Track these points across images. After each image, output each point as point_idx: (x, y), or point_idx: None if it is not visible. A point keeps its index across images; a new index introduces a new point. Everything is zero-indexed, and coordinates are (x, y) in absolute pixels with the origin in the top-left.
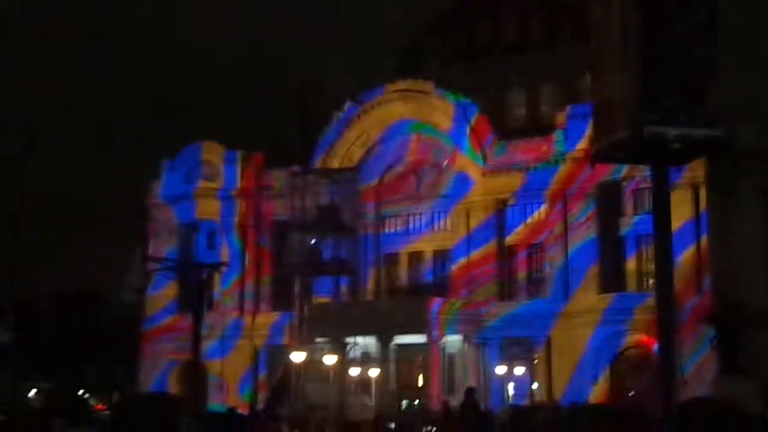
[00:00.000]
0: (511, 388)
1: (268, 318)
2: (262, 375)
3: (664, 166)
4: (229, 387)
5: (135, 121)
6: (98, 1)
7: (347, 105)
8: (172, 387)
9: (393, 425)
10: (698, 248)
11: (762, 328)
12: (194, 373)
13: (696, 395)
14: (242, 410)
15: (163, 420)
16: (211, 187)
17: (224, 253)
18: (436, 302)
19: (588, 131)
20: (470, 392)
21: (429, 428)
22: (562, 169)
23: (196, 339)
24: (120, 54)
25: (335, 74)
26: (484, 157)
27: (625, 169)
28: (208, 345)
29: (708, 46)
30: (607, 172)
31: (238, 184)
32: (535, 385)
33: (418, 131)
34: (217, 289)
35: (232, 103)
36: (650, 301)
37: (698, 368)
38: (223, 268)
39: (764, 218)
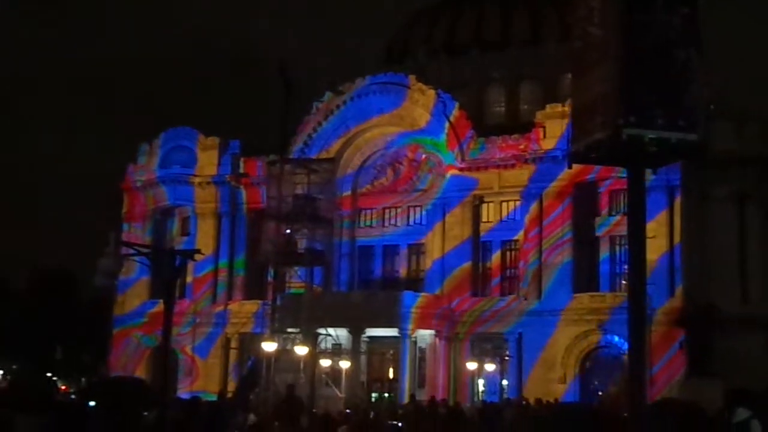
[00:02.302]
0: (481, 384)
1: (240, 306)
2: (233, 363)
3: (640, 168)
4: (200, 374)
5: (114, 102)
6: None
7: (327, 95)
8: (142, 373)
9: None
10: (672, 251)
11: (732, 332)
12: (165, 359)
13: (664, 396)
14: (212, 398)
15: (130, 406)
16: (187, 173)
17: (199, 240)
18: (408, 296)
19: (567, 131)
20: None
21: (395, 423)
22: (540, 168)
23: (168, 326)
24: (102, 40)
25: (317, 64)
26: (462, 153)
27: (601, 170)
28: (179, 332)
29: (688, 46)
30: (584, 172)
31: (215, 171)
32: (505, 382)
33: (397, 125)
34: (191, 276)
35: (210, 90)
36: (622, 301)
37: (667, 370)
38: (198, 256)
39: (739, 224)
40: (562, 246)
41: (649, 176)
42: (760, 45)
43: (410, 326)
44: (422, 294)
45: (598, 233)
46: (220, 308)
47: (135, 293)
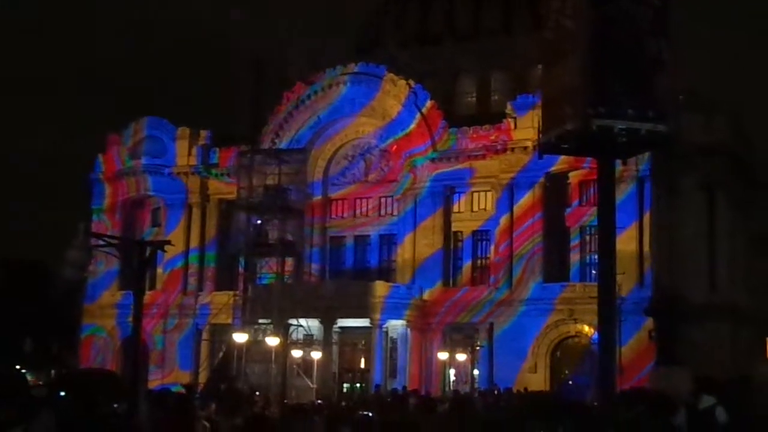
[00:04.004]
0: (452, 374)
1: (211, 298)
2: (203, 355)
3: (610, 159)
4: (171, 366)
5: (83, 93)
6: None
7: (298, 86)
8: (113, 365)
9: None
10: (642, 242)
11: (700, 322)
12: (135, 351)
13: (633, 385)
14: (182, 389)
15: (99, 397)
16: (157, 163)
17: (169, 232)
18: (380, 286)
19: (537, 121)
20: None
21: (367, 413)
22: (511, 158)
23: (138, 317)
24: (68, 26)
25: (288, 54)
26: (434, 144)
27: (572, 161)
28: (150, 323)
29: (659, 37)
30: (554, 162)
31: (185, 161)
32: (476, 372)
33: (369, 115)
34: (162, 267)
35: (180, 80)
36: (592, 291)
37: (637, 359)
38: (168, 247)
39: (707, 214)
40: (533, 236)
41: (631, 172)
42: (727, 36)
43: (382, 316)
44: (394, 284)
45: (568, 223)
46: (191, 300)
47: (107, 285)
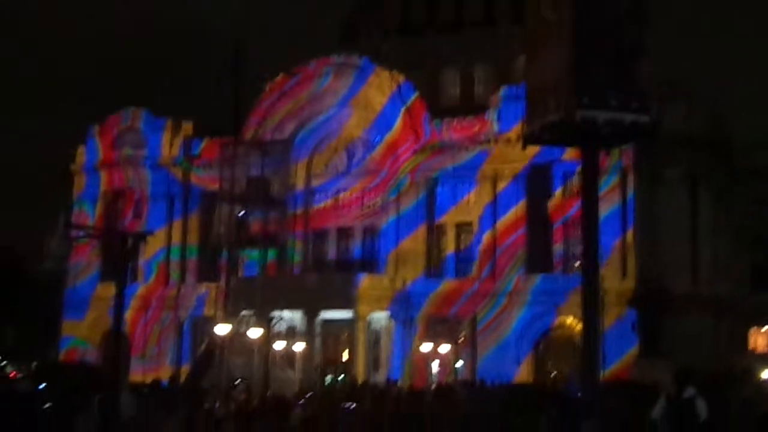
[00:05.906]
0: (435, 366)
1: (194, 289)
2: (186, 347)
3: (593, 149)
4: (154, 359)
5: (63, 84)
6: None
7: (281, 77)
8: (94, 357)
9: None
10: (625, 233)
11: (682, 313)
12: (116, 344)
13: (617, 377)
14: (164, 382)
15: (82, 391)
16: (138, 154)
17: (151, 223)
18: (363, 278)
19: (521, 113)
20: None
21: (350, 404)
22: (494, 150)
23: (119, 309)
24: (47, 15)
25: (271, 45)
26: (417, 136)
27: (555, 152)
28: (132, 316)
29: (639, 27)
30: (538, 154)
31: (167, 152)
32: (459, 364)
33: (352, 106)
34: (142, 258)
35: (161, 70)
36: (575, 282)
37: (620, 350)
38: (150, 239)
39: (691, 205)
40: (516, 228)
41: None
42: (708, 26)
43: (364, 308)
44: (376, 276)
45: (551, 214)
46: (172, 291)
47: (88, 278)
